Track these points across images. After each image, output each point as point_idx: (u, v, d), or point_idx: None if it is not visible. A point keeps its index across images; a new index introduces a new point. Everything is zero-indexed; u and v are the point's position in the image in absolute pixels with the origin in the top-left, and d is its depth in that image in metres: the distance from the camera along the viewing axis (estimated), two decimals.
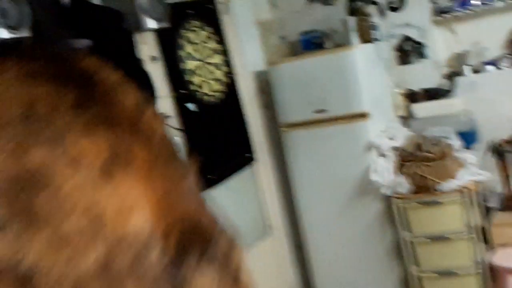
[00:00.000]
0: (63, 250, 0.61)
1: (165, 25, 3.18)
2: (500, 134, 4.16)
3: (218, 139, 3.91)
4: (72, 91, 0.69)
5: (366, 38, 4.20)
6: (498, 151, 4.15)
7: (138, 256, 0.67)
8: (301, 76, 4.12)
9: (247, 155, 4.16)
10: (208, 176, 3.74)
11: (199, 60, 3.78)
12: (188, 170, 0.75)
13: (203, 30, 3.85)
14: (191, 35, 3.74)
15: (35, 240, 0.60)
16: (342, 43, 4.22)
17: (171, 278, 0.68)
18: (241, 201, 4.16)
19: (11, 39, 2.33)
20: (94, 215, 0.63)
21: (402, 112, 4.43)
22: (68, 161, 0.63)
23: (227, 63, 4.03)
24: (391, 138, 4.07)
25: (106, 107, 0.69)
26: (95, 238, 0.63)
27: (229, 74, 4.04)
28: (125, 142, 0.68)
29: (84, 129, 0.65)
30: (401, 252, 4.06)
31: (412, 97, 4.42)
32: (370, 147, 4.01)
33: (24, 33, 2.37)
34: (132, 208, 0.66)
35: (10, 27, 2.21)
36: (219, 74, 3.92)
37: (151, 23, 3.02)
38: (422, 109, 4.35)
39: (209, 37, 3.89)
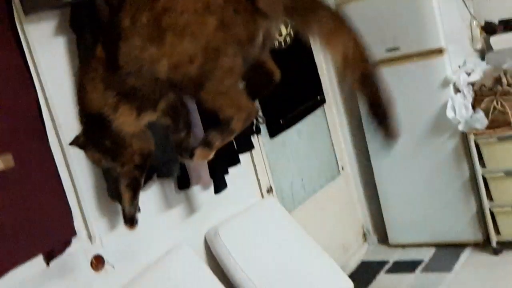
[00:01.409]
0: (186, 32, 1.14)
1: None
2: None
3: (289, 83, 3.88)
4: None
5: None
6: None
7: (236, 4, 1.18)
8: (372, 15, 4.00)
9: (318, 97, 4.14)
10: (281, 121, 3.76)
11: None
12: None
13: None
14: None
15: (168, 37, 1.14)
16: None
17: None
18: (313, 143, 4.18)
19: None
20: (202, 4, 1.10)
21: (480, 45, 4.25)
22: None
23: None
24: (468, 73, 3.93)
25: None
26: (207, 13, 1.12)
27: None
28: None
29: None
30: (475, 188, 3.99)
31: (490, 29, 4.22)
32: (446, 83, 3.90)
33: None
34: None
35: None
36: None
37: None
38: (501, 41, 4.14)
39: None
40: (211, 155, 1.59)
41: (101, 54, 1.37)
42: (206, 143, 1.52)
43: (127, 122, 1.44)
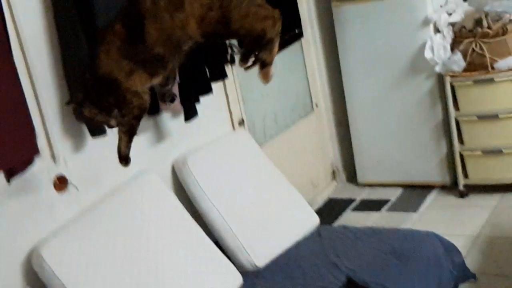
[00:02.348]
0: None
1: None
2: None
3: None
4: None
5: None
6: None
7: None
8: None
9: (296, 30, 4.05)
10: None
11: None
12: None
13: None
14: None
15: (186, 1, 1.52)
16: None
17: None
18: (288, 78, 4.12)
19: None
20: None
21: None
22: None
23: None
24: (449, 13, 3.88)
25: None
26: None
27: None
28: None
29: None
30: (447, 131, 4.01)
31: None
32: (426, 22, 3.84)
33: None
34: None
35: None
36: None
37: None
38: None
39: None
40: (272, 70, 1.81)
41: (120, 30, 1.58)
42: (262, 64, 1.76)
43: (137, 85, 1.66)
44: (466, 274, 3.03)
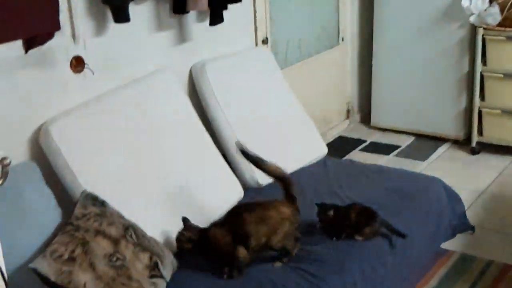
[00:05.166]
0: (275, 229, 2.28)
1: None
2: None
3: None
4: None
5: None
6: None
7: None
8: None
9: None
10: None
11: None
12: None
13: None
14: None
15: (270, 234, 2.27)
16: None
17: None
18: (319, 5, 4.02)
19: None
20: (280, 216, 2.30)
21: None
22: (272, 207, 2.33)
23: None
24: None
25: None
26: (284, 220, 2.31)
27: None
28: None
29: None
30: (470, 85, 3.94)
31: None
32: None
33: None
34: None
35: None
36: None
37: None
38: None
39: None
40: None
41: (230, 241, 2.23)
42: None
43: (242, 255, 2.25)
44: (465, 225, 3.03)
